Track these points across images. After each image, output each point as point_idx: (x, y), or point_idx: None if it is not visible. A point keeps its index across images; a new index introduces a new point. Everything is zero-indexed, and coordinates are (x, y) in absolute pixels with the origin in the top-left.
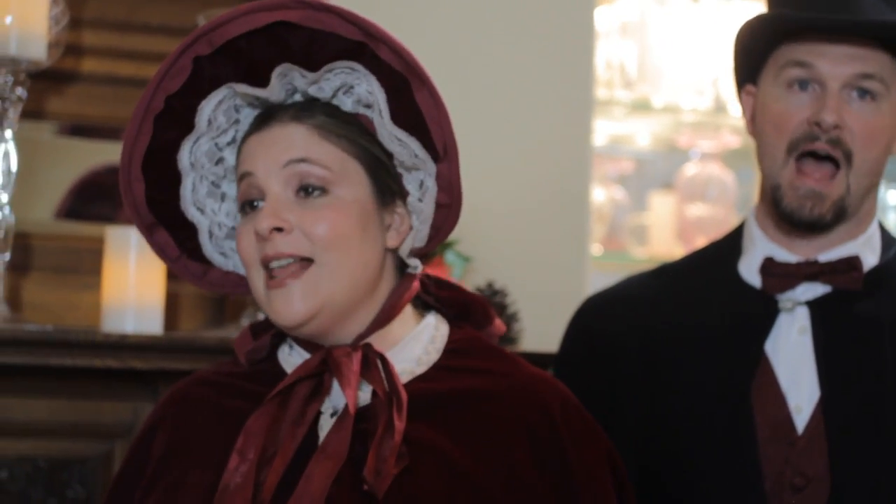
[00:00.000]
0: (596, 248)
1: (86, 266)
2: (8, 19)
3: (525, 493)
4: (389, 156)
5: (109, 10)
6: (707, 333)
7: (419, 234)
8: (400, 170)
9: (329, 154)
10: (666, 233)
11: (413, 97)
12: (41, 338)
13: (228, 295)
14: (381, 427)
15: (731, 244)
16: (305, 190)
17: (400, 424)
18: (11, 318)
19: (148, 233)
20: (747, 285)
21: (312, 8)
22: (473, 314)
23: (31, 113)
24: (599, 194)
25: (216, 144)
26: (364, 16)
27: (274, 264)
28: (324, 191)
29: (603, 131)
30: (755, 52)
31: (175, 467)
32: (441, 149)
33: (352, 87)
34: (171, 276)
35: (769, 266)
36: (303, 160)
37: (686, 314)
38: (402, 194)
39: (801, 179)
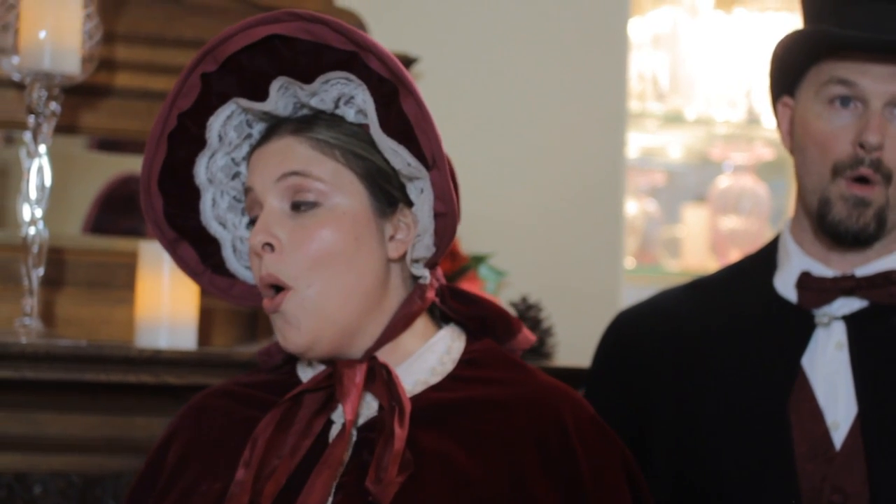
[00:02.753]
0: (628, 262)
1: (119, 281)
2: (42, 34)
3: (532, 502)
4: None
5: (143, 25)
6: (743, 349)
7: (422, 243)
8: (403, 179)
9: (322, 166)
10: (699, 246)
11: (401, 107)
12: (75, 353)
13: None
14: (382, 436)
15: (765, 258)
16: (297, 206)
17: (401, 432)
18: (45, 333)
19: (171, 248)
20: (783, 300)
21: (304, 20)
22: (494, 328)
23: (65, 127)
24: (632, 207)
25: (232, 160)
26: (355, 28)
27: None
28: (316, 204)
29: (635, 144)
30: (793, 66)
31: (187, 477)
32: (430, 158)
33: (351, 97)
34: (205, 292)
35: (805, 281)
36: (296, 173)
37: (721, 329)
38: (408, 202)
39: (850, 189)
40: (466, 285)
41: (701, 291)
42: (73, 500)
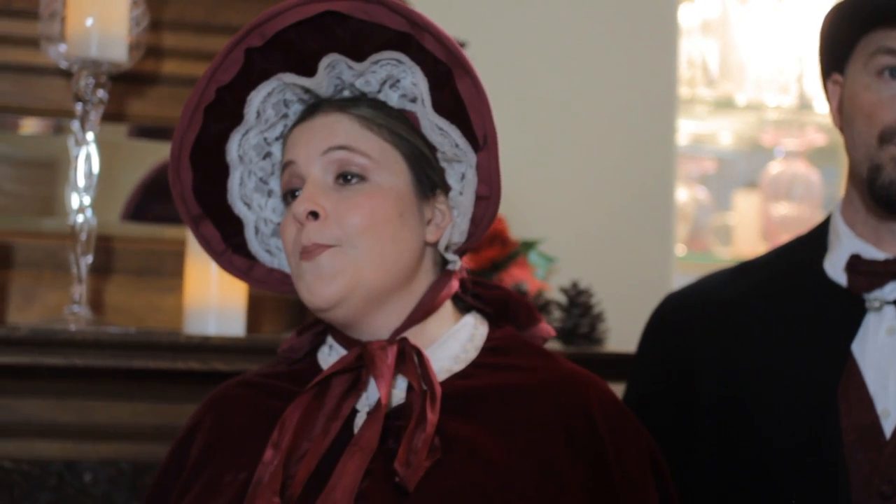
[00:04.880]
0: (679, 249)
1: (168, 268)
2: (89, 21)
3: (559, 489)
4: (433, 150)
5: (189, 12)
6: (791, 334)
7: (458, 229)
8: (443, 164)
9: (370, 142)
10: (750, 232)
11: (455, 87)
12: (124, 340)
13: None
14: (413, 420)
15: (815, 241)
16: (344, 177)
17: (433, 417)
18: (94, 320)
19: (194, 224)
20: (833, 283)
21: None
22: (516, 314)
23: (112, 115)
24: (682, 194)
25: (265, 139)
26: (410, 6)
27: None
28: (362, 178)
29: (685, 130)
30: (842, 40)
31: (211, 467)
32: (481, 138)
33: (398, 80)
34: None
35: (856, 264)
36: (343, 147)
37: (769, 314)
38: (445, 188)
39: None
40: (516, 271)
41: (748, 275)
42: (123, 487)
